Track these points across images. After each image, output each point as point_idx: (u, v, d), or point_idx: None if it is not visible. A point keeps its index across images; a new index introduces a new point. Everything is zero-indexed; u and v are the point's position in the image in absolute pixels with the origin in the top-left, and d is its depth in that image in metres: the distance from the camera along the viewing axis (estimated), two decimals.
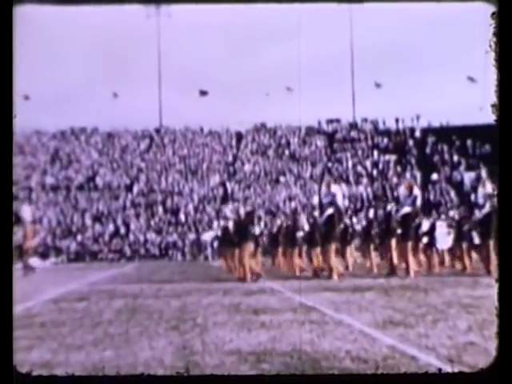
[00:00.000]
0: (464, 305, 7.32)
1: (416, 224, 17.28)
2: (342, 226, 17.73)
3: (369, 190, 46.42)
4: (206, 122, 54.37)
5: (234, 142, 53.59)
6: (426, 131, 51.70)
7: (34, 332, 5.90)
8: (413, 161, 49.31)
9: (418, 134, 51.76)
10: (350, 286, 10.98)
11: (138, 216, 45.91)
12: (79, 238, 43.90)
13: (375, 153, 50.74)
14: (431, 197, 44.41)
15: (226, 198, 46.57)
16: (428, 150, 49.95)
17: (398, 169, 48.60)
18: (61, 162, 51.52)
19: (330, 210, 13.76)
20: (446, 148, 49.00)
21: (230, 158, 51.91)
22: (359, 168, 49.34)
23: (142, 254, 42.80)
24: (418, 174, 47.30)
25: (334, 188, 14.26)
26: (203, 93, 55.84)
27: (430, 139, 50.56)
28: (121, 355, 4.57)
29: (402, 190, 15.04)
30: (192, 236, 42.45)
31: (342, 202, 14.44)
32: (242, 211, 14.65)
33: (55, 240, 43.65)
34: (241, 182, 48.85)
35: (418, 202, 14.32)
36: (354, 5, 54.72)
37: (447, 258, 17.46)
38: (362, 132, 53.27)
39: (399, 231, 14.36)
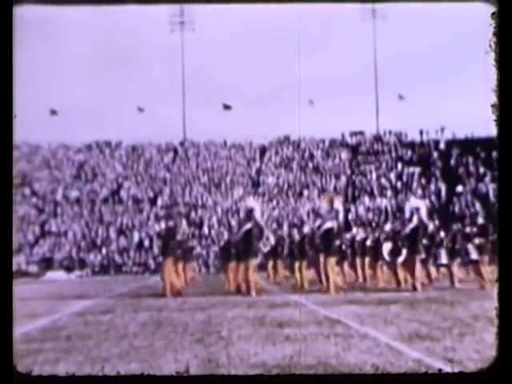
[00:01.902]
0: (491, 318, 7.22)
1: (362, 239, 17.04)
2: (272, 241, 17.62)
3: (393, 202, 46.17)
4: (230, 135, 54.63)
5: (257, 155, 53.66)
6: (451, 143, 51.36)
7: (60, 345, 5.93)
8: (437, 173, 48.98)
9: (442, 145, 51.43)
10: (374, 299, 10.91)
11: None
12: (104, 251, 44.17)
13: (399, 165, 50.49)
14: (456, 209, 44.04)
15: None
16: (453, 162, 49.59)
17: (423, 181, 48.30)
18: (86, 175, 51.97)
19: (247, 225, 13.41)
20: (471, 160, 48.62)
21: (254, 171, 51.97)
22: (383, 180, 49.11)
23: None
24: (443, 186, 46.97)
25: (251, 202, 14.00)
26: (227, 107, 56.09)
27: (455, 151, 50.20)
28: (146, 368, 4.58)
29: (323, 204, 14.51)
30: (216, 248, 42.47)
31: (260, 216, 13.91)
32: (162, 226, 14.42)
33: (80, 253, 43.97)
34: (264, 195, 48.85)
35: (341, 216, 13.79)
36: (378, 18, 54.60)
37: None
38: (386, 144, 53.06)
39: (322, 247, 13.99)
